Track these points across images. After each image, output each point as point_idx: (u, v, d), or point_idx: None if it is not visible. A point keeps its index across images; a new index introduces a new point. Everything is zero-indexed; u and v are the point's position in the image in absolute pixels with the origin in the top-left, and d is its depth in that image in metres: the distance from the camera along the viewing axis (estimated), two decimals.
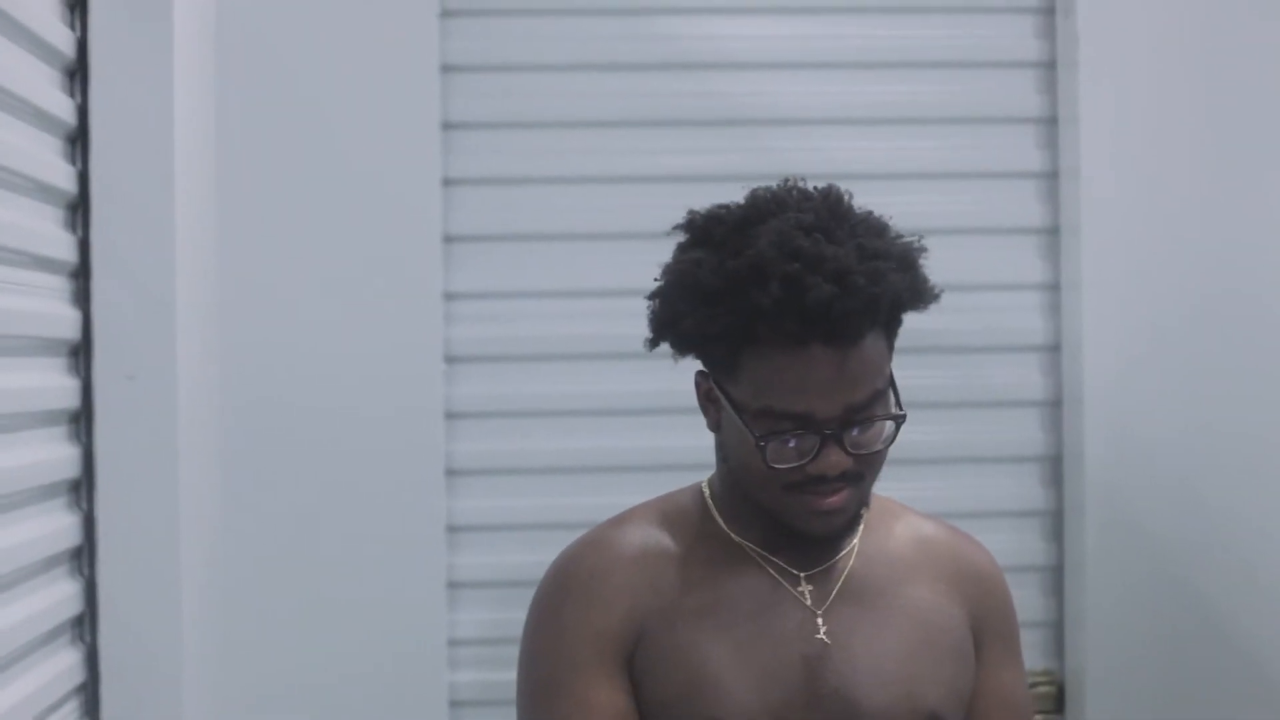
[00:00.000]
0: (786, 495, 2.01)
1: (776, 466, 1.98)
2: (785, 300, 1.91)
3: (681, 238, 2.07)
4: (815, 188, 2.06)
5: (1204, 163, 2.97)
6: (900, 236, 2.05)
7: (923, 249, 2.05)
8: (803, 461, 1.98)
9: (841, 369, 1.95)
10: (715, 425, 2.10)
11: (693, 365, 2.17)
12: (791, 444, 1.97)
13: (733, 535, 2.12)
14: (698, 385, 2.09)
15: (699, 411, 2.19)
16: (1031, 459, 3.05)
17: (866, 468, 2.02)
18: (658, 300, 2.06)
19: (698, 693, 2.04)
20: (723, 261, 1.97)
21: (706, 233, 2.03)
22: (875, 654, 2.08)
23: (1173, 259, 2.97)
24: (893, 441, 2.04)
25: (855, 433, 1.98)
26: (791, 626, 2.08)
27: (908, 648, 2.10)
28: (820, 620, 2.08)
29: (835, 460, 1.98)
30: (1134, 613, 2.96)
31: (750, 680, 2.05)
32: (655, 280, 2.08)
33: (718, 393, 2.04)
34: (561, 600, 2.11)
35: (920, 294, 2.03)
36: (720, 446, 2.12)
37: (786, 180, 2.07)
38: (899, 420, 2.02)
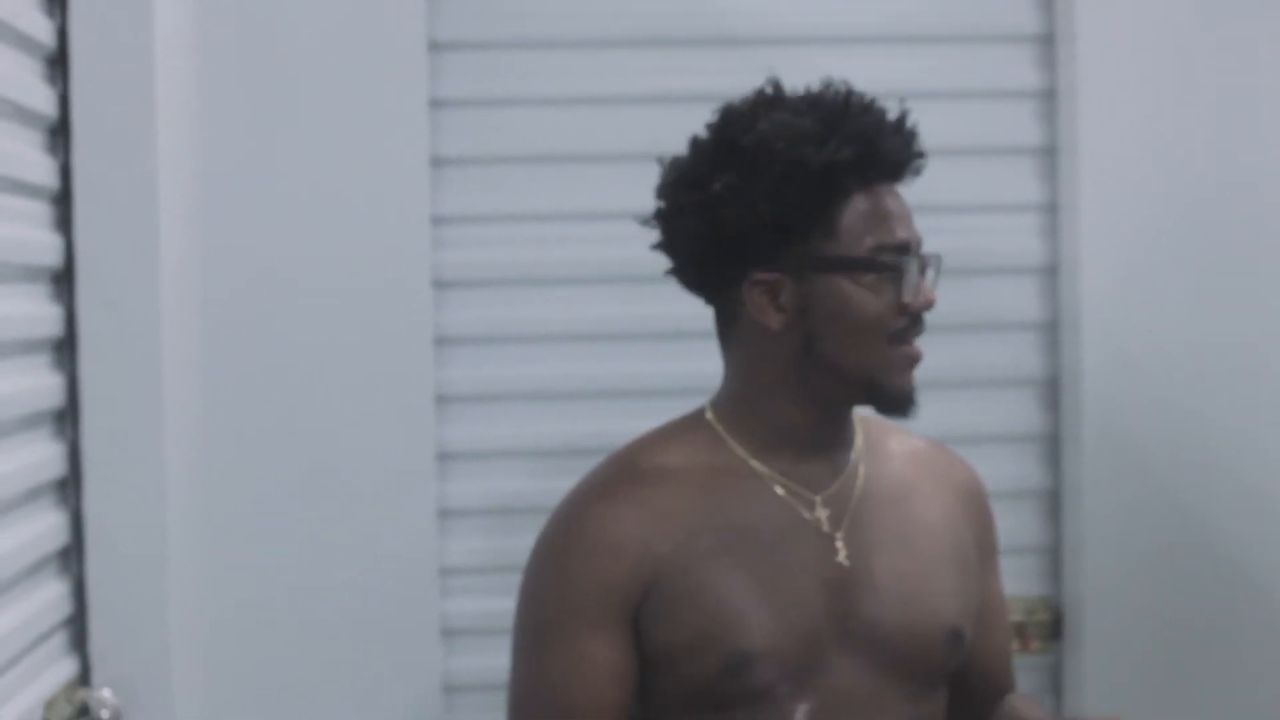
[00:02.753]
0: (889, 347, 2.08)
1: (909, 300, 2.04)
2: (865, 145, 2.02)
3: (708, 143, 2.09)
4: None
5: (1201, 81, 2.94)
6: None
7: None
8: (926, 293, 2.07)
9: (904, 205, 2.08)
10: (791, 324, 2.07)
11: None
12: (912, 274, 2.06)
13: (751, 462, 2.11)
14: (753, 296, 2.06)
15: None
16: (1028, 382, 3.03)
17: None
18: (699, 208, 2.06)
19: (721, 630, 2.04)
20: (781, 129, 2.02)
21: (749, 114, 2.09)
22: (895, 573, 2.11)
23: (1170, 179, 2.95)
24: None
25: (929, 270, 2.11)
26: (810, 552, 2.09)
27: (924, 565, 2.13)
28: (839, 544, 2.09)
29: (931, 292, 2.08)
30: (1132, 537, 2.95)
31: (774, 610, 2.06)
32: (673, 208, 2.09)
33: (806, 272, 2.03)
34: (567, 547, 2.09)
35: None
36: (803, 337, 2.07)
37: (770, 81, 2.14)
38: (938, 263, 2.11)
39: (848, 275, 2.04)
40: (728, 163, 2.06)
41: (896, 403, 2.11)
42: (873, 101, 2.07)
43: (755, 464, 2.11)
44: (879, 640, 2.07)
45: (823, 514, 2.11)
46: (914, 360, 2.09)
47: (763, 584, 2.06)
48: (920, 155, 2.08)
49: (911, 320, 2.06)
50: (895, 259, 2.04)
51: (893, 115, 2.07)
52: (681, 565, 2.06)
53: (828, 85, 2.11)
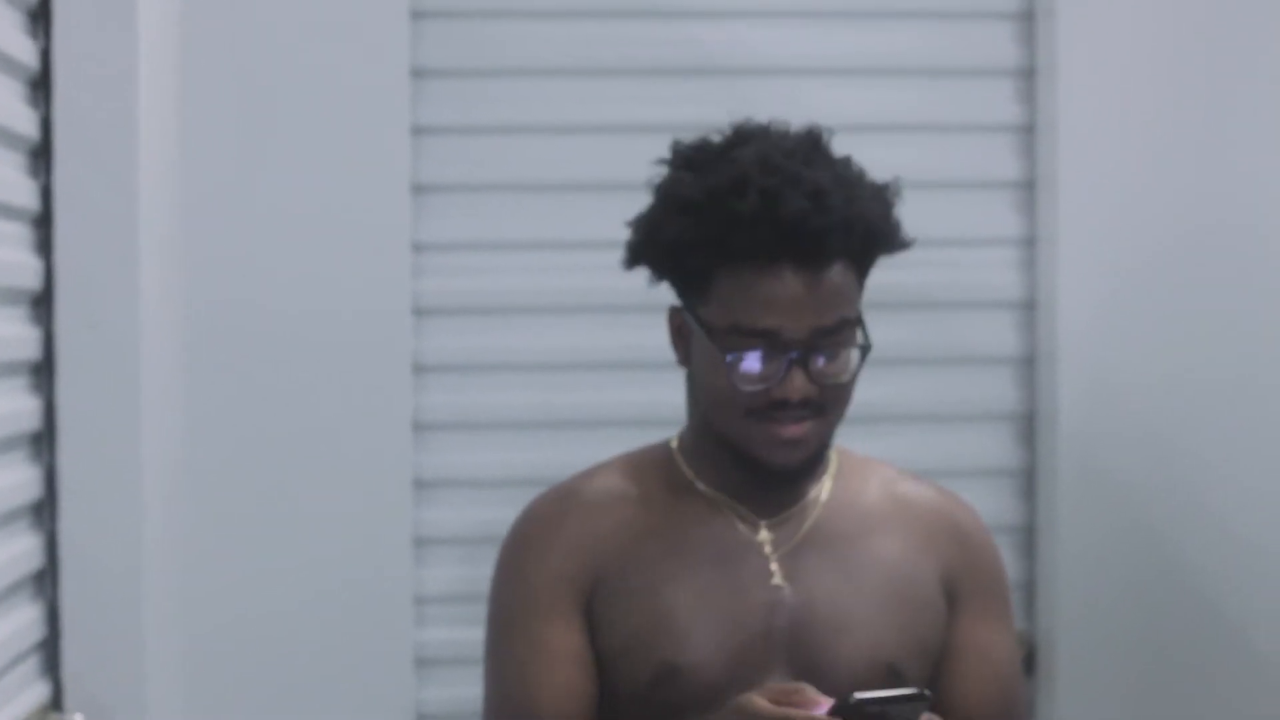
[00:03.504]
0: (749, 423, 2.05)
1: (743, 388, 2.01)
2: (761, 212, 1.97)
3: (665, 165, 2.11)
4: (798, 127, 2.11)
5: (1182, 117, 2.95)
6: (875, 180, 2.09)
7: (898, 193, 2.09)
8: (768, 384, 2.01)
9: (811, 290, 2.00)
10: (685, 359, 2.13)
11: (664, 319, 2.17)
12: (757, 364, 2.01)
13: (697, 484, 2.16)
14: (670, 319, 2.13)
15: (670, 367, 2.19)
16: (1005, 417, 3.03)
17: (830, 399, 2.05)
18: (639, 220, 2.10)
19: (655, 637, 2.07)
20: (705, 177, 2.02)
21: (689, 157, 2.10)
22: (835, 603, 2.11)
23: (1148, 215, 2.96)
24: (858, 374, 2.06)
25: (820, 361, 2.02)
26: (749, 573, 2.11)
27: (868, 598, 2.12)
28: (776, 567, 2.11)
29: (799, 385, 2.01)
30: (1107, 572, 2.95)
31: (708, 625, 2.08)
32: (630, 222, 2.11)
33: (689, 321, 2.07)
34: (523, 545, 2.17)
35: (893, 231, 2.08)
36: (689, 381, 2.15)
37: (772, 118, 2.11)
38: (864, 350, 2.05)
39: (709, 339, 2.05)
40: (656, 190, 2.10)
41: (766, 471, 2.12)
42: (799, 173, 1.99)
43: (702, 486, 2.16)
44: (811, 667, 2.07)
45: (767, 537, 2.14)
46: (776, 440, 2.05)
47: (699, 599, 2.09)
48: (843, 239, 1.99)
49: (774, 404, 2.03)
50: (741, 343, 2.01)
51: (831, 192, 1.98)
52: (623, 567, 2.11)
53: (776, 134, 2.08)
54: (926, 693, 1.85)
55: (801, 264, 1.98)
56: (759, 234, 1.97)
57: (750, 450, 2.09)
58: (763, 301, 1.99)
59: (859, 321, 2.07)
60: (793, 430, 2.05)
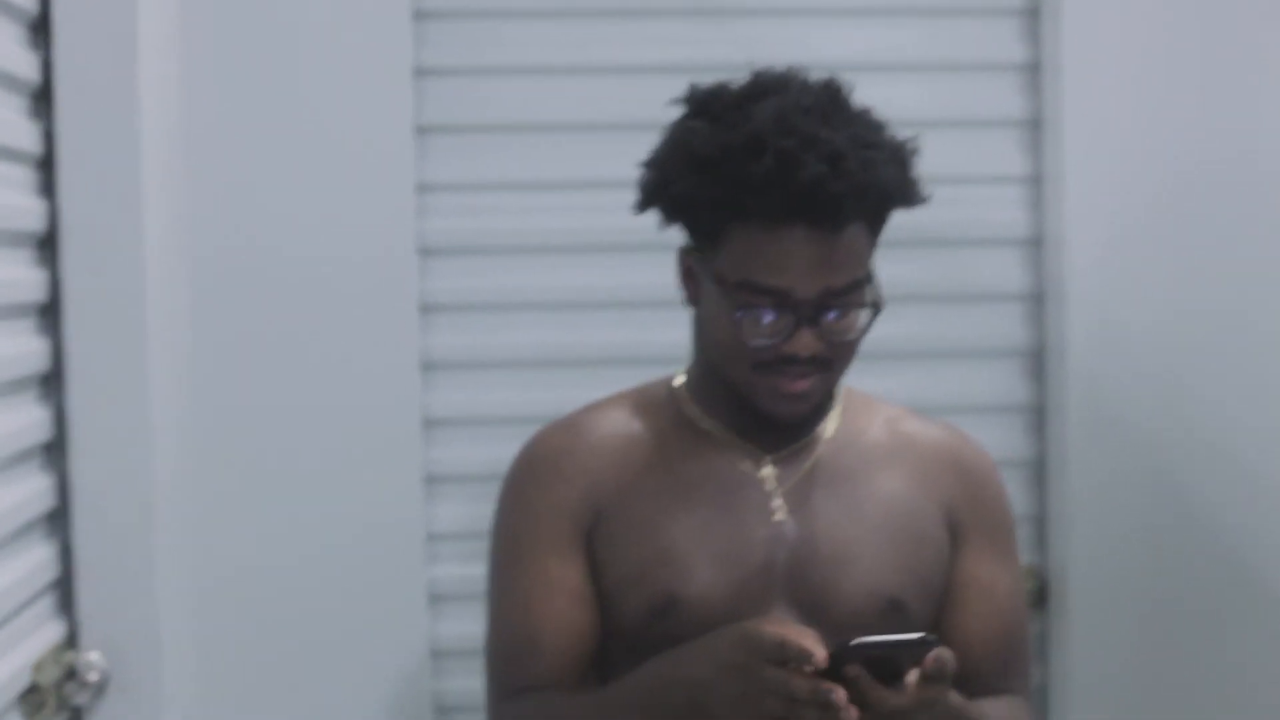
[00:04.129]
0: (755, 374, 2.06)
1: (751, 343, 2.01)
2: (776, 175, 1.96)
3: (681, 109, 2.10)
4: (818, 78, 2.10)
5: (1188, 52, 2.94)
6: (896, 135, 2.08)
7: (916, 149, 2.08)
8: (775, 340, 2.02)
9: (823, 251, 1.99)
10: (693, 300, 2.14)
11: (672, 258, 2.18)
12: (767, 320, 2.02)
13: (701, 420, 2.18)
14: (679, 260, 2.14)
15: (676, 306, 2.20)
16: (1013, 353, 3.04)
17: (837, 355, 2.07)
18: (650, 165, 2.10)
19: (655, 569, 2.09)
20: (719, 132, 2.02)
21: (706, 105, 2.09)
22: (836, 539, 2.12)
23: (1156, 150, 2.95)
24: (866, 333, 2.06)
25: (830, 317, 2.03)
26: (751, 508, 2.13)
27: (870, 534, 2.14)
28: (779, 503, 2.12)
29: (807, 343, 2.02)
30: (1117, 506, 2.96)
31: (709, 558, 2.10)
32: (642, 164, 2.11)
33: (699, 266, 2.07)
34: (526, 478, 2.19)
35: (909, 191, 2.08)
36: (696, 323, 2.16)
37: (790, 67, 2.11)
38: (875, 310, 2.05)
39: (719, 291, 2.05)
40: (670, 137, 2.09)
41: (768, 419, 2.13)
42: (816, 134, 1.99)
43: (706, 423, 2.18)
44: (812, 603, 2.09)
45: (770, 473, 2.15)
46: (781, 393, 2.08)
47: (699, 532, 2.11)
48: (858, 204, 2.00)
49: (782, 359, 2.05)
50: (750, 300, 2.02)
51: (848, 155, 1.99)
52: (625, 500, 2.13)
53: (795, 87, 2.07)
54: (930, 637, 1.85)
55: (815, 226, 1.98)
56: (773, 196, 1.97)
57: (755, 400, 2.10)
58: (775, 261, 2.00)
59: (870, 279, 2.07)
60: (798, 385, 2.07)
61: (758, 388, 2.09)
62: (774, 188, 1.96)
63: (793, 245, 1.99)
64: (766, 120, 1.99)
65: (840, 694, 1.80)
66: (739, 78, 2.12)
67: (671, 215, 2.11)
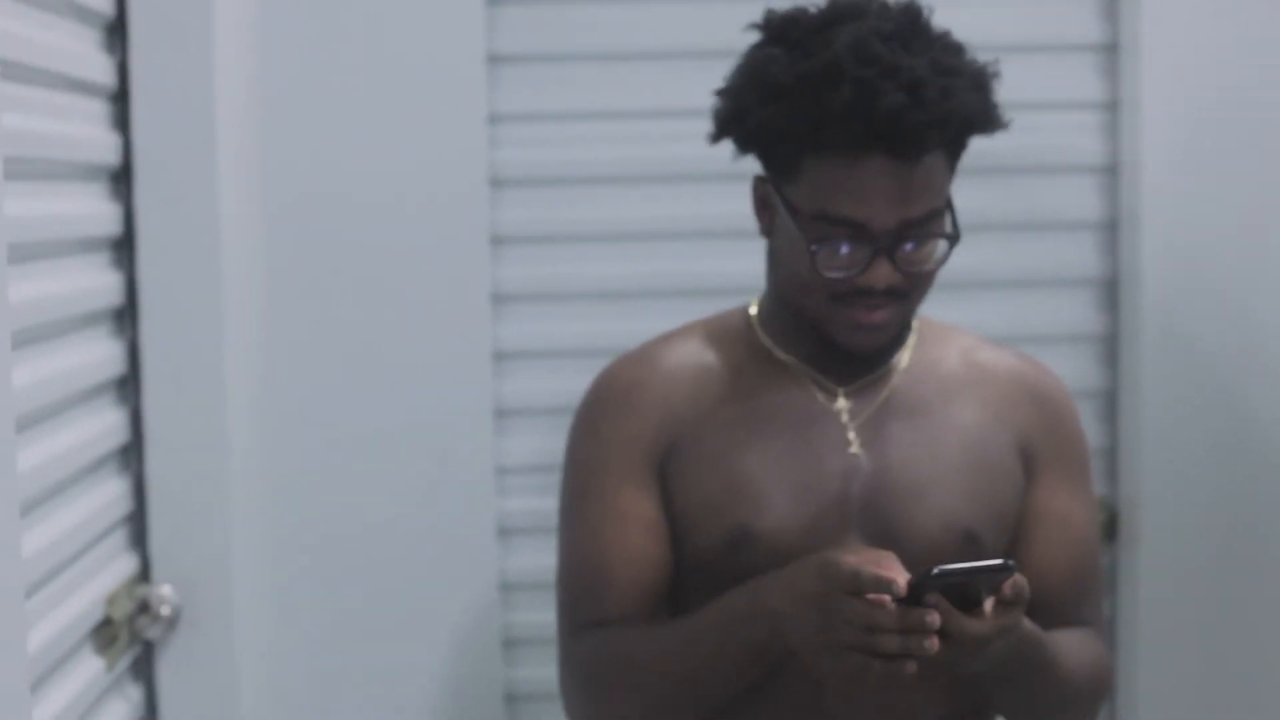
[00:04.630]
0: (831, 306, 2.04)
1: (827, 274, 2.00)
2: (855, 105, 1.93)
3: (756, 37, 2.08)
4: (896, 1, 2.07)
5: None
6: (976, 59, 2.05)
7: (997, 73, 2.06)
8: (852, 272, 2.01)
9: (902, 181, 1.97)
10: (768, 230, 2.12)
11: (746, 189, 2.16)
12: (844, 251, 2.01)
13: (776, 351, 2.16)
14: (754, 189, 2.12)
15: (750, 236, 2.18)
16: (1087, 282, 3.00)
17: (913, 286, 2.05)
18: (725, 95, 2.08)
19: (730, 500, 2.08)
20: (796, 60, 1.99)
21: (783, 31, 2.06)
22: (911, 470, 2.11)
23: (1233, 76, 2.90)
24: (943, 263, 2.05)
25: (908, 248, 2.02)
26: (826, 440, 2.11)
27: (945, 465, 2.12)
28: (854, 435, 2.11)
29: (884, 274, 2.00)
30: (1190, 438, 2.93)
31: (784, 490, 2.08)
32: (720, 84, 2.09)
33: (775, 196, 2.05)
34: (599, 410, 2.18)
35: (989, 118, 2.05)
36: (771, 254, 2.15)
37: None
38: (953, 240, 2.03)
39: (795, 222, 2.03)
40: (745, 65, 2.07)
41: (844, 351, 2.11)
42: (895, 61, 1.95)
43: (780, 354, 2.17)
44: (887, 534, 2.07)
45: (844, 405, 2.14)
46: (857, 325, 2.06)
47: (774, 465, 2.10)
48: (938, 133, 1.97)
49: (858, 291, 2.02)
50: (827, 231, 2.00)
51: (928, 83, 1.95)
52: (699, 432, 2.12)
53: (874, 11, 2.03)
54: (1010, 563, 1.84)
55: (893, 156, 1.96)
56: (852, 127, 1.94)
57: (831, 332, 2.08)
58: (852, 192, 1.98)
59: (948, 207, 2.05)
60: (874, 316, 2.05)
61: (833, 319, 2.07)
62: (852, 118, 1.94)
63: (870, 176, 1.97)
64: (844, 48, 1.96)
65: (935, 617, 1.79)
66: (816, 2, 2.09)
67: (746, 145, 2.09)
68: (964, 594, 1.84)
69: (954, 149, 2.04)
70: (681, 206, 2.89)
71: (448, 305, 2.83)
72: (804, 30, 2.03)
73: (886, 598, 1.81)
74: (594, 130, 2.89)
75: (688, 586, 2.16)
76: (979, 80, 2.04)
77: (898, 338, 2.17)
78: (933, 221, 2.02)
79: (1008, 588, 1.84)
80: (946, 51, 2.03)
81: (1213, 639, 2.98)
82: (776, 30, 2.07)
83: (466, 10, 2.79)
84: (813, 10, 2.07)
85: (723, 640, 2.00)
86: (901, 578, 1.81)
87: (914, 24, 2.04)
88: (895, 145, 1.95)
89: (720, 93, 2.11)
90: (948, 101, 1.96)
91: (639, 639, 2.11)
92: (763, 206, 2.12)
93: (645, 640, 2.11)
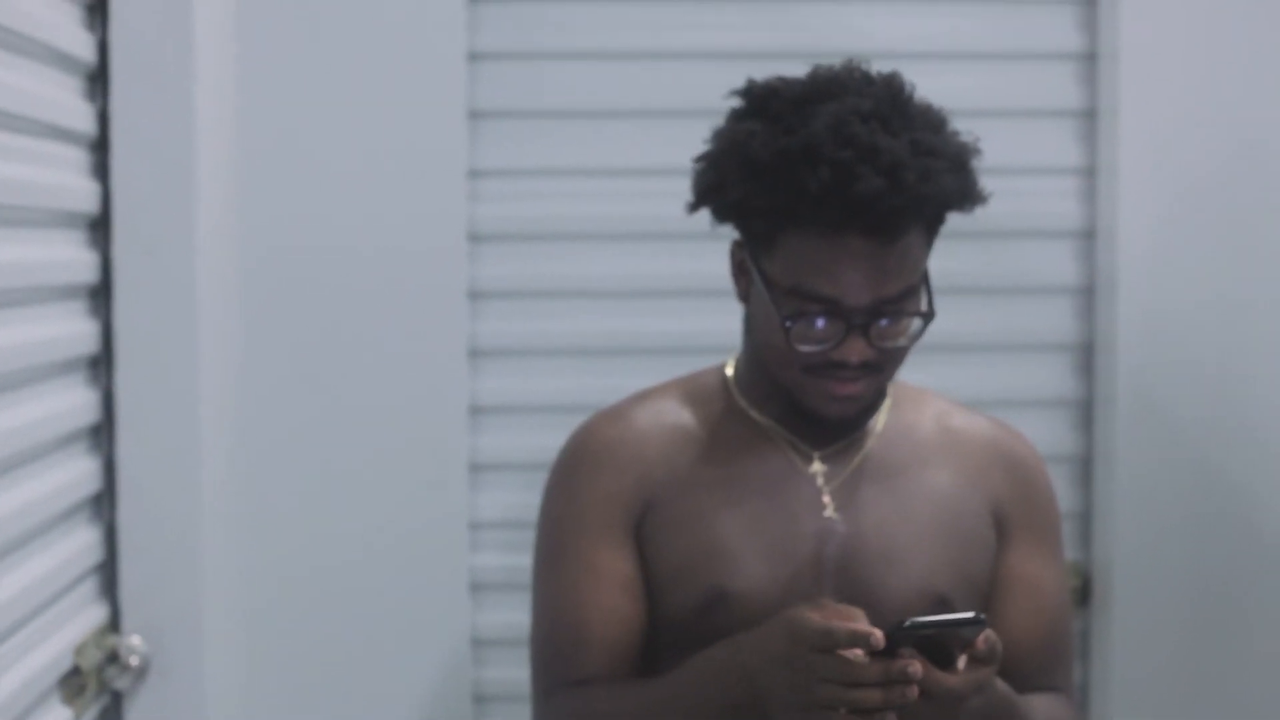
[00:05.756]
0: (805, 377, 2.04)
1: (801, 348, 2.00)
2: (833, 187, 1.92)
3: (737, 104, 2.07)
4: (878, 74, 2.06)
5: (1245, 44, 2.91)
6: (957, 133, 2.05)
7: (978, 150, 2.06)
8: (825, 346, 2.00)
9: (877, 261, 1.96)
10: (744, 296, 2.12)
11: (723, 247, 2.16)
12: (818, 326, 2.00)
13: (751, 412, 2.17)
14: (732, 254, 2.12)
15: (727, 295, 2.19)
16: (1063, 347, 3.01)
17: (887, 361, 2.05)
18: (704, 164, 2.08)
19: (704, 562, 2.08)
20: (776, 137, 1.98)
21: (763, 104, 2.05)
22: (885, 534, 2.11)
23: (1209, 145, 2.92)
24: (918, 339, 2.05)
25: (883, 324, 2.01)
26: (801, 503, 2.12)
27: (919, 530, 2.13)
28: (828, 499, 2.11)
29: (858, 349, 2.00)
30: (1164, 503, 2.94)
31: (758, 553, 2.08)
32: (703, 143, 2.09)
33: (751, 265, 2.05)
34: (575, 467, 2.17)
35: (968, 196, 2.05)
36: (747, 319, 2.15)
37: (850, 61, 2.07)
38: (927, 318, 2.03)
39: (770, 294, 2.03)
40: (724, 137, 2.07)
41: (817, 422, 2.11)
42: (874, 143, 1.94)
43: (756, 415, 2.17)
44: (861, 598, 2.06)
45: (819, 468, 2.14)
46: (831, 396, 2.06)
47: (749, 527, 2.10)
48: (916, 215, 1.97)
49: (832, 364, 2.02)
50: (802, 306, 1.99)
51: (907, 166, 1.94)
52: (675, 493, 2.12)
53: (854, 88, 2.03)
54: (981, 616, 1.84)
55: (870, 236, 1.95)
56: (829, 207, 1.94)
57: (804, 402, 2.09)
58: (827, 270, 1.97)
59: (924, 281, 2.05)
60: (849, 388, 2.05)
61: (807, 389, 2.07)
62: (830, 199, 1.93)
63: (846, 255, 1.96)
64: (823, 128, 1.96)
65: (917, 666, 1.78)
66: (797, 75, 2.09)
67: (724, 217, 2.09)
68: (937, 649, 1.83)
69: (932, 226, 2.04)
70: (660, 264, 2.90)
71: (424, 358, 2.83)
72: (784, 104, 2.02)
73: (860, 651, 1.80)
74: (574, 187, 2.90)
75: (662, 646, 2.15)
76: (959, 160, 2.04)
77: (872, 405, 2.17)
78: (908, 299, 2.02)
79: (981, 642, 1.84)
80: (927, 129, 2.02)
81: (1185, 705, 2.98)
82: (757, 101, 2.06)
83: (448, 65, 2.80)
84: (792, 85, 2.06)
85: (700, 699, 1.99)
86: (877, 631, 1.81)
87: (895, 100, 2.03)
88: (872, 227, 1.94)
89: (698, 161, 2.11)
90: (926, 184, 1.95)
91: (615, 698, 2.11)
92: (739, 272, 2.13)
93: (621, 699, 2.10)
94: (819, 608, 1.92)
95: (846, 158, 1.93)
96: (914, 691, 1.79)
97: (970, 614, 1.85)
